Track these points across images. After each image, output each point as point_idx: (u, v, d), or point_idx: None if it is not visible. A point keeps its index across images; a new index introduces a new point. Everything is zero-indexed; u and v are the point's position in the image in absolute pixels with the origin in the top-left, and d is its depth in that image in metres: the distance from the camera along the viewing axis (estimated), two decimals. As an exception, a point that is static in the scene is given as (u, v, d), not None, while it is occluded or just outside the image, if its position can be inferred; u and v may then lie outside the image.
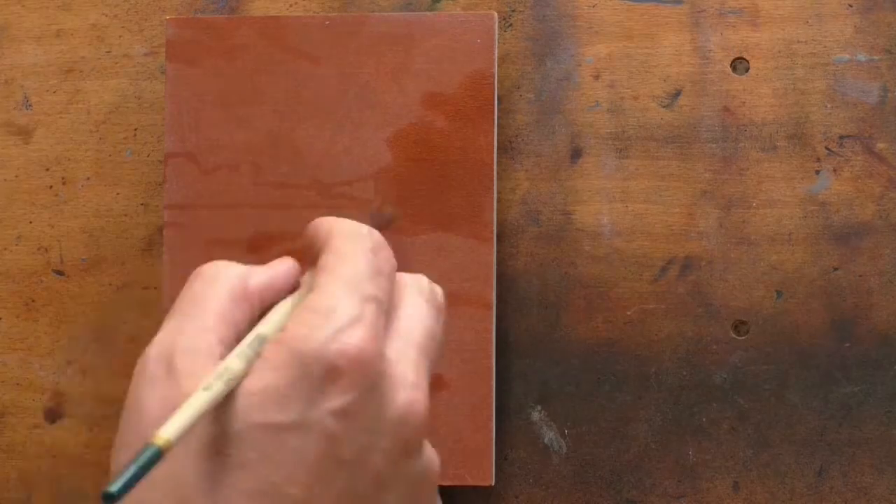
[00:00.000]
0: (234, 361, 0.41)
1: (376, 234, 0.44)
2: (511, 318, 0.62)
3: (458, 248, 0.60)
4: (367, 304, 0.41)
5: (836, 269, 0.61)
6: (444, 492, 0.61)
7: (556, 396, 0.62)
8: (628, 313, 0.62)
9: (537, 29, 0.63)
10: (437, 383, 0.59)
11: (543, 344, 0.62)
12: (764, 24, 0.62)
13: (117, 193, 0.65)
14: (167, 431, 0.39)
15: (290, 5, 0.64)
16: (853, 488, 0.60)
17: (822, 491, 0.61)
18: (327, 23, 0.61)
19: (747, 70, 0.62)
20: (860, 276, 0.61)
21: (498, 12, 0.63)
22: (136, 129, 0.65)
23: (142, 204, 0.64)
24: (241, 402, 0.40)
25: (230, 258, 0.60)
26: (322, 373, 0.40)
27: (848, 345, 0.61)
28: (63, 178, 0.65)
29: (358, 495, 0.41)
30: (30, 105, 0.65)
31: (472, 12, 0.62)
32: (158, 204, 0.64)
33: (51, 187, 0.65)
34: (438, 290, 0.46)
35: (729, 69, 0.62)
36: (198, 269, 0.44)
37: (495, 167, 0.60)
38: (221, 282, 0.44)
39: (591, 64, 0.63)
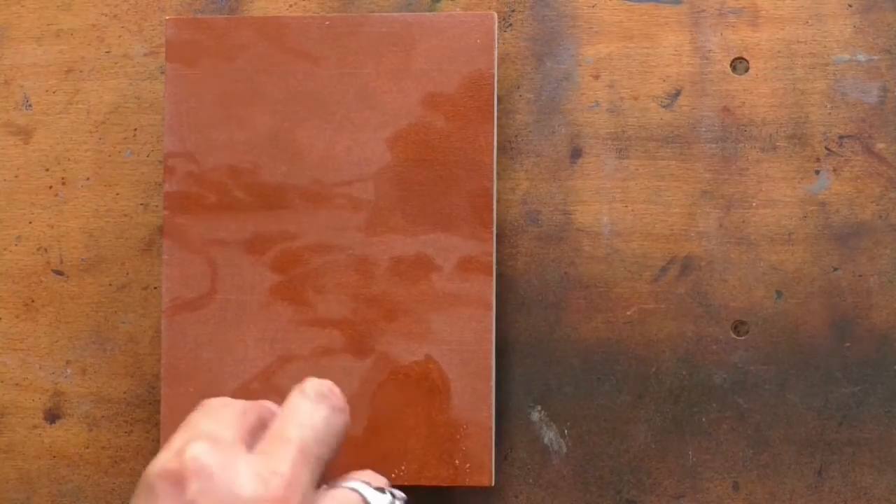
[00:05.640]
0: None
1: (223, 399, 0.52)
2: (511, 318, 0.62)
3: (458, 248, 0.60)
4: (203, 430, 0.48)
5: (835, 269, 0.61)
6: (444, 492, 0.61)
7: (556, 396, 0.62)
8: (628, 313, 0.62)
9: (537, 29, 0.63)
10: (437, 383, 0.59)
11: (543, 344, 0.62)
12: (764, 24, 0.62)
13: (117, 193, 0.65)
14: None
15: (290, 5, 0.64)
16: (853, 488, 0.60)
17: (821, 491, 0.61)
18: (327, 23, 0.61)
19: (747, 70, 0.62)
20: (860, 276, 0.61)
21: (498, 12, 0.63)
22: (135, 130, 0.65)
23: (141, 204, 0.64)
24: None
25: (230, 258, 0.60)
26: (163, 483, 0.46)
27: (848, 345, 0.61)
28: (63, 179, 0.65)
29: None
30: (30, 105, 0.65)
31: (471, 12, 0.62)
32: (158, 204, 0.64)
33: (51, 187, 0.65)
34: (316, 383, 0.52)
35: (729, 69, 0.62)
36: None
37: (495, 167, 0.60)
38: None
39: (590, 64, 0.63)
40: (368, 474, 0.52)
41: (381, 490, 0.51)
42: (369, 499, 0.50)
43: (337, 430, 0.51)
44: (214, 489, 0.46)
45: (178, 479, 0.46)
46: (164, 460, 0.47)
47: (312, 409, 0.50)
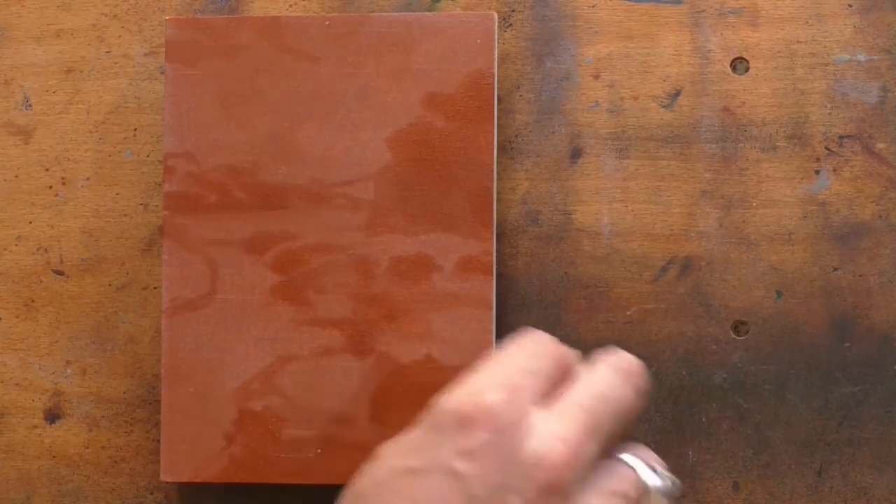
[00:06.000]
0: None
1: (541, 336, 0.50)
2: (511, 318, 0.62)
3: (458, 248, 0.60)
4: (508, 376, 0.47)
5: (836, 269, 0.61)
6: (444, 492, 0.61)
7: (556, 396, 0.62)
8: (628, 313, 0.62)
9: (537, 29, 0.63)
10: (437, 384, 0.59)
11: (543, 344, 0.62)
12: (764, 24, 0.62)
13: (117, 193, 0.65)
14: None
15: (290, 5, 0.64)
16: (853, 488, 0.60)
17: (821, 491, 0.61)
18: (327, 23, 0.61)
19: (747, 70, 0.62)
20: (860, 276, 0.61)
21: (498, 12, 0.63)
22: (135, 130, 0.65)
23: (141, 204, 0.64)
24: (383, 453, 0.47)
25: (230, 258, 0.60)
26: (452, 421, 0.45)
27: (848, 345, 0.61)
28: (63, 179, 0.65)
29: None
30: (30, 105, 0.65)
31: (471, 12, 0.62)
32: (158, 204, 0.64)
33: (50, 187, 0.65)
34: (627, 359, 0.50)
35: (729, 69, 0.62)
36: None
37: (495, 167, 0.60)
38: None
39: (590, 64, 0.63)
40: (647, 451, 0.51)
41: (654, 469, 0.50)
42: (647, 481, 0.49)
43: (633, 411, 0.49)
44: (499, 445, 0.45)
45: (467, 423, 0.45)
46: (460, 398, 0.46)
47: (618, 384, 0.49)
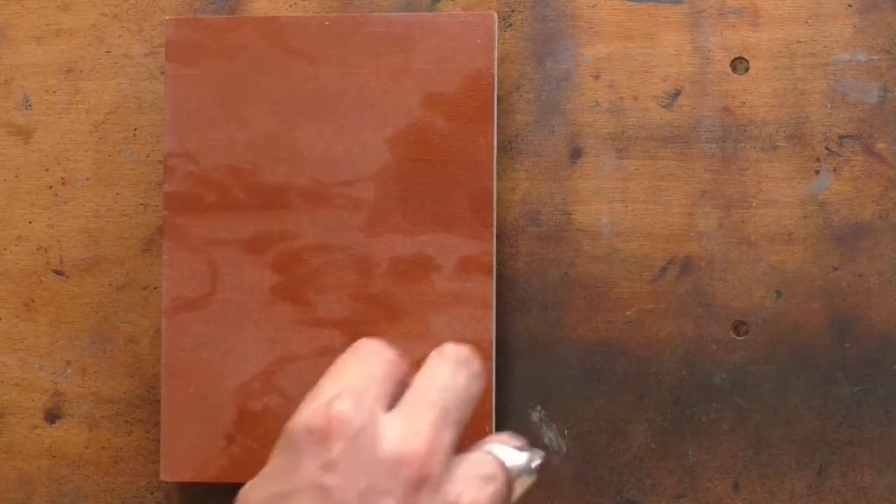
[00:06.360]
0: None
1: (373, 342, 0.51)
2: (511, 318, 0.62)
3: (458, 248, 0.60)
4: (349, 384, 0.48)
5: (836, 269, 0.61)
6: (444, 492, 0.61)
7: (556, 396, 0.62)
8: (628, 313, 0.62)
9: (537, 29, 0.63)
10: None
11: (543, 344, 0.62)
12: (764, 24, 0.62)
13: (117, 193, 0.65)
14: None
15: (290, 5, 0.64)
16: (853, 488, 0.60)
17: (822, 491, 0.61)
18: (327, 23, 0.61)
19: (747, 70, 0.62)
20: (860, 276, 0.61)
21: (498, 12, 0.63)
22: (135, 130, 0.65)
23: (141, 204, 0.64)
24: (247, 492, 0.47)
25: (230, 258, 0.60)
26: (306, 438, 0.46)
27: (848, 345, 0.61)
28: (63, 179, 0.65)
29: None
30: (30, 105, 0.65)
31: (471, 12, 0.62)
32: (158, 204, 0.64)
33: (50, 187, 0.65)
34: (456, 348, 0.52)
35: (729, 69, 0.62)
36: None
37: (495, 167, 0.60)
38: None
39: (590, 64, 0.63)
40: (503, 436, 0.52)
41: (514, 449, 0.51)
42: (506, 460, 0.50)
43: (475, 396, 0.51)
44: (357, 451, 0.46)
45: (322, 437, 0.46)
46: (309, 415, 0.47)
47: (453, 373, 0.50)
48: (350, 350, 0.51)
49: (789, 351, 0.61)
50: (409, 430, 0.47)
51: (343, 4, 0.64)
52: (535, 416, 0.62)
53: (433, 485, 0.46)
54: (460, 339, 0.59)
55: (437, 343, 0.59)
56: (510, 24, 0.63)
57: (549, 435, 0.62)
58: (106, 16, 0.65)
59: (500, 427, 0.61)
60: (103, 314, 0.64)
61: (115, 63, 0.65)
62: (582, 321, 0.62)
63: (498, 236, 0.61)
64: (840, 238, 0.61)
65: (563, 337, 0.62)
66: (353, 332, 0.60)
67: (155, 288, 0.64)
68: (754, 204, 0.62)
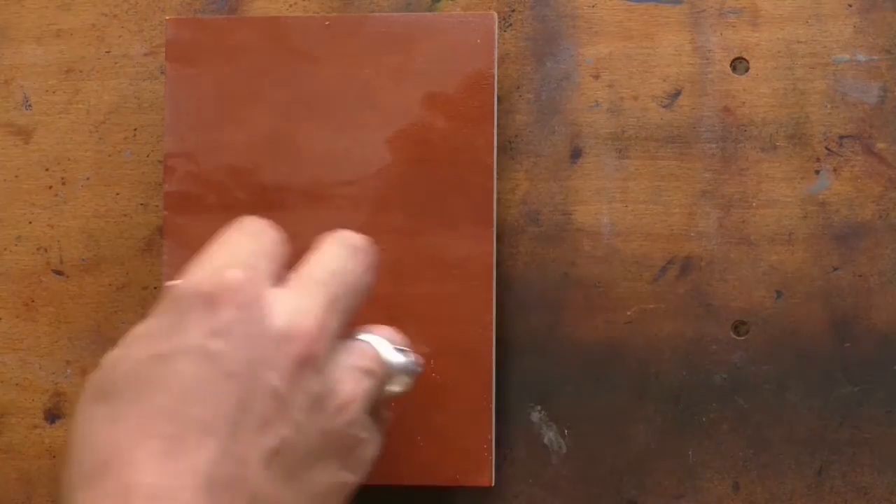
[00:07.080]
0: None
1: (258, 220, 0.49)
2: (511, 318, 0.62)
3: (458, 248, 0.60)
4: (239, 256, 0.46)
5: (836, 269, 0.61)
6: (444, 492, 0.61)
7: (556, 396, 0.62)
8: (628, 313, 0.62)
9: (537, 29, 0.63)
10: (437, 384, 0.59)
11: (543, 344, 0.62)
12: (764, 24, 0.62)
13: (117, 193, 0.65)
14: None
15: (290, 5, 0.64)
16: (853, 488, 0.60)
17: (822, 491, 0.61)
18: (327, 23, 0.61)
19: (747, 70, 0.62)
20: (860, 276, 0.61)
21: (498, 12, 0.63)
22: (135, 130, 0.65)
23: (141, 204, 0.64)
24: (128, 343, 0.45)
25: (230, 258, 0.60)
26: (194, 301, 0.44)
27: (848, 345, 0.61)
28: (63, 179, 0.65)
29: (259, 410, 0.44)
30: (30, 105, 0.65)
31: (471, 12, 0.62)
32: (158, 204, 0.64)
33: (50, 187, 0.65)
34: (353, 235, 0.50)
35: (729, 69, 0.62)
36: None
37: (495, 167, 0.60)
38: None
39: (590, 64, 0.63)
40: (387, 330, 0.51)
41: (394, 347, 0.51)
42: (384, 354, 0.50)
43: (365, 287, 0.50)
44: (246, 321, 0.44)
45: (211, 302, 0.44)
46: (199, 279, 0.45)
47: (347, 258, 0.49)
48: (236, 225, 0.49)
49: (789, 351, 0.61)
50: (299, 307, 0.46)
51: (343, 4, 0.64)
52: (535, 416, 0.62)
53: (317, 366, 0.45)
54: (460, 339, 0.59)
55: (438, 343, 0.59)
56: (510, 24, 0.63)
57: (549, 435, 0.62)
58: (106, 16, 0.65)
59: (500, 427, 0.61)
60: (103, 314, 0.64)
61: (115, 63, 0.65)
62: (582, 321, 0.62)
63: (498, 236, 0.61)
64: (840, 238, 0.61)
65: (563, 337, 0.62)
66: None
67: (155, 288, 0.64)
68: (754, 204, 0.62)
